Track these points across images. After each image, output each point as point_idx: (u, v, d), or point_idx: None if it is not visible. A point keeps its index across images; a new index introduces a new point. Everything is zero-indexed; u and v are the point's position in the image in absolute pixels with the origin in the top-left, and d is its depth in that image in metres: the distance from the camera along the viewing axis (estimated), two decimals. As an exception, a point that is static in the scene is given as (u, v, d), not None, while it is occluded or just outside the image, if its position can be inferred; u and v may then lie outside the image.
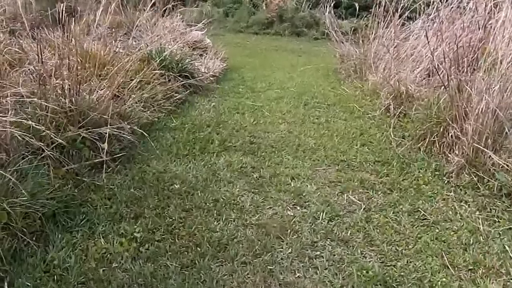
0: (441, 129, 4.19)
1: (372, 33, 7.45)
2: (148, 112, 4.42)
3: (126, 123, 3.74)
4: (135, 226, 2.63)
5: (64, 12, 3.70)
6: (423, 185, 3.64)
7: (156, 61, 5.21)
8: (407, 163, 4.03)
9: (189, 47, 7.27)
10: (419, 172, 3.87)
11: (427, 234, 2.89)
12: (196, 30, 8.33)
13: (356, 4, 10.14)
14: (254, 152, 3.96)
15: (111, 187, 3.07)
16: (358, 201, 3.26)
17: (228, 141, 4.15)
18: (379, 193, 3.42)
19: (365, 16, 12.56)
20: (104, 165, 3.20)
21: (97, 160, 3.21)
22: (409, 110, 5.13)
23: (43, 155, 2.73)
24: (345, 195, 3.34)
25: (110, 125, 3.35)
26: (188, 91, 5.55)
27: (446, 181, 3.73)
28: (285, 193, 3.26)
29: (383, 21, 7.44)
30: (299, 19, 14.02)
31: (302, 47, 12.27)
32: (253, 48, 11.31)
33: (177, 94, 5.16)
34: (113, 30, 7.30)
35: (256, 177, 3.49)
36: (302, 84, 7.03)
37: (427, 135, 4.33)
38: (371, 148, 4.34)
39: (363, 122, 5.16)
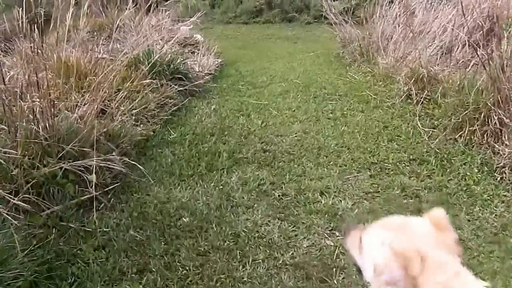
0: (482, 116, 3.62)
1: (376, 11, 6.82)
2: (141, 126, 3.82)
3: (116, 145, 3.15)
4: (140, 286, 2.05)
5: (38, 18, 3.11)
6: (474, 186, 3.08)
7: (145, 65, 4.59)
8: (446, 158, 3.47)
9: (178, 44, 6.64)
10: (463, 168, 3.32)
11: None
12: (184, 26, 7.71)
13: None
14: (270, 163, 3.38)
15: (105, 230, 2.48)
16: (406, 217, 2.69)
17: (237, 152, 3.56)
18: (427, 203, 2.85)
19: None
20: (94, 202, 2.60)
21: (84, 196, 2.62)
22: (433, 94, 4.56)
23: (12, 202, 2.13)
24: (388, 208, 2.77)
25: (97, 151, 2.75)
26: (184, 95, 4.94)
27: (498, 178, 3.17)
28: (317, 215, 2.68)
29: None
30: (289, 4, 13.35)
31: (295, 33, 11.63)
32: (245, 39, 10.67)
33: (172, 100, 4.55)
34: (95, 33, 6.68)
35: (279, 196, 2.91)
36: (305, 73, 6.42)
37: (464, 123, 3.75)
38: (401, 144, 3.77)
39: (383, 113, 4.58)
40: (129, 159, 3.22)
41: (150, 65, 4.56)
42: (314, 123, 4.28)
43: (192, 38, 7.54)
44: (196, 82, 5.38)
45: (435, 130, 4.00)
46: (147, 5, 9.05)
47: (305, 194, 2.92)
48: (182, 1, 12.35)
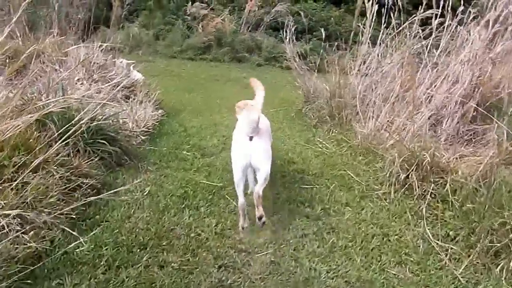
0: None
1: (352, 65, 5.84)
2: (31, 233, 2.43)
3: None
4: None
5: None
6: None
7: (57, 126, 3.23)
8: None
9: (110, 87, 5.26)
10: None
11: None
12: (120, 61, 6.39)
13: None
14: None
15: None
16: None
17: (181, 290, 2.27)
18: None
19: (310, 40, 11.24)
20: None
21: None
22: (441, 188, 3.51)
23: None
24: None
25: None
26: (108, 165, 3.58)
27: None
28: None
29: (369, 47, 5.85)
30: (239, 42, 12.32)
31: (246, 76, 10.53)
32: (190, 78, 9.40)
33: (88, 180, 3.16)
34: (7, 61, 5.16)
35: None
36: (265, 135, 5.23)
37: (503, 247, 2.71)
38: (415, 271, 2.68)
39: (375, 208, 3.48)
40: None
41: (64, 127, 3.20)
42: (289, 227, 3.06)
43: (129, 77, 6.17)
44: (126, 145, 4.03)
45: (453, 246, 2.93)
46: (80, 31, 7.67)
47: None
48: (124, 29, 11.01)
